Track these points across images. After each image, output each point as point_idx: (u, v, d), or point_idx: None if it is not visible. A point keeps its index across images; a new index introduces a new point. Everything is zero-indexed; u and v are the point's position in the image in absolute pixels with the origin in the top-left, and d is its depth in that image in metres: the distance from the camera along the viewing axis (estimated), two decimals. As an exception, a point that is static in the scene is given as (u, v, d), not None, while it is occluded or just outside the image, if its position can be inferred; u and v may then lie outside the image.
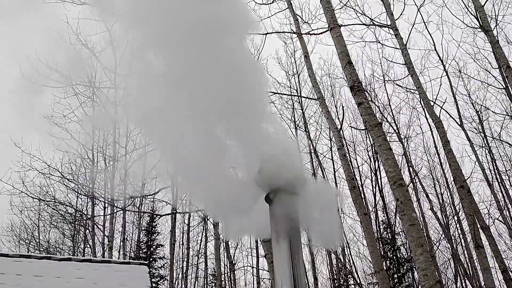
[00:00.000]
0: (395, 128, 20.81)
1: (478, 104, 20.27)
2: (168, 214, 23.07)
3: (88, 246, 23.31)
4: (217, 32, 3.83)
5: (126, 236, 23.68)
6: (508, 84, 13.02)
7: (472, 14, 14.08)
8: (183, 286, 25.51)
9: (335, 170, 22.07)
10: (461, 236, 19.56)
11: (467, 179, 13.84)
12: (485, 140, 20.22)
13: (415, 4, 15.46)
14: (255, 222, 3.66)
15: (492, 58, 16.04)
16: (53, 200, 21.38)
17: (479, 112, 20.19)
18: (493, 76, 17.82)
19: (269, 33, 13.72)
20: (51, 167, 18.77)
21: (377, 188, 20.80)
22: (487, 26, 11.75)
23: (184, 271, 25.64)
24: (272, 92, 16.08)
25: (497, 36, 12.57)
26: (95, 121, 19.49)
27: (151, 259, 23.19)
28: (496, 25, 14.56)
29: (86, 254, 22.65)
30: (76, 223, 23.57)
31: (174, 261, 24.23)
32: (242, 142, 3.83)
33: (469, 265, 18.97)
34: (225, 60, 3.84)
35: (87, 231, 23.37)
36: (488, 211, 19.06)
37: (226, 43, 3.88)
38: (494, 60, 14.35)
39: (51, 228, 25.00)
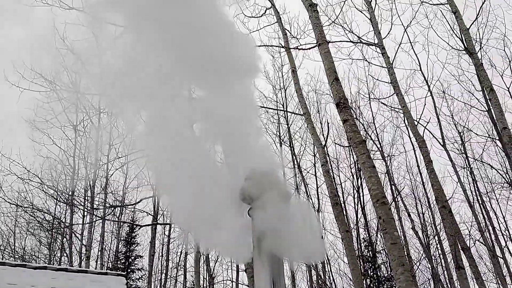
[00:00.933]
0: (378, 146, 20.93)
1: (461, 125, 20.53)
2: (148, 225, 22.77)
3: (64, 254, 22.86)
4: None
5: (104, 246, 23.29)
6: (491, 107, 13.19)
7: (457, 37, 14.32)
8: (161, 298, 25.17)
9: (318, 186, 22.08)
10: (441, 256, 19.62)
11: (449, 199, 13.92)
12: (467, 161, 20.44)
13: (402, 24, 15.73)
14: (234, 237, 3.58)
15: (475, 80, 16.28)
16: (31, 207, 20.97)
17: (462, 134, 20.44)
18: (476, 98, 18.07)
19: (257, 46, 13.76)
20: (30, 173, 18.48)
21: (359, 205, 20.82)
22: (472, 49, 11.93)
23: (163, 284, 25.28)
24: (258, 106, 16.08)
25: (481, 59, 12.76)
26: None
27: (129, 270, 22.80)
28: (480, 48, 14.79)
29: (62, 263, 22.19)
30: (53, 230, 23.12)
31: (153, 273, 23.90)
32: (230, 156, 3.78)
33: (449, 285, 19.00)
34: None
35: (65, 239, 22.93)
36: (469, 232, 19.23)
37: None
38: (478, 82, 14.56)
39: (27, 235, 24.48)
